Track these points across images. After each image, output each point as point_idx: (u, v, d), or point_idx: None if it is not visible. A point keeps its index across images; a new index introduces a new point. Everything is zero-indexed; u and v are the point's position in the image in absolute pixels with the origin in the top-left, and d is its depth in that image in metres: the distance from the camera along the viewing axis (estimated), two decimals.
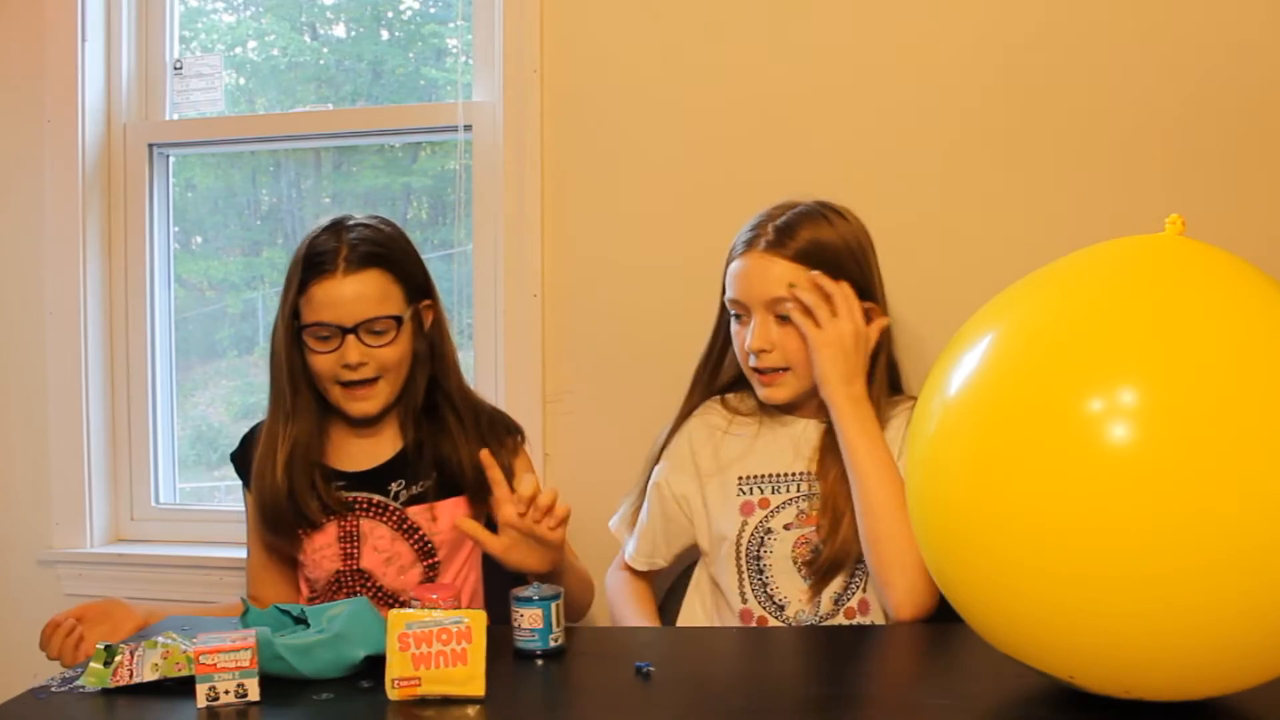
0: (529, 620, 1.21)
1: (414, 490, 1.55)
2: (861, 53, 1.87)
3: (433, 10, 2.26)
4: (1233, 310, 0.95)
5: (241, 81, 2.32)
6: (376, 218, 1.56)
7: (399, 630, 1.09)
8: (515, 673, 1.17)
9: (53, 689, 1.16)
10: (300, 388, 1.53)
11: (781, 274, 1.44)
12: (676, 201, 1.91)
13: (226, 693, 1.09)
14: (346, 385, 1.50)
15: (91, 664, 1.15)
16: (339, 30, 2.31)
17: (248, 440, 1.61)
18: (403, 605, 1.49)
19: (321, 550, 1.53)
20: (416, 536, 1.54)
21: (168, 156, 2.22)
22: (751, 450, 1.52)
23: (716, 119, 1.91)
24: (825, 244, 1.46)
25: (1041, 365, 0.97)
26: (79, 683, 1.16)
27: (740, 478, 1.51)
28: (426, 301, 1.57)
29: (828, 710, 1.09)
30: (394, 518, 1.54)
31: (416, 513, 1.54)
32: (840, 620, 1.45)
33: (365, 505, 1.54)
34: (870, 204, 1.86)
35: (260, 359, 2.30)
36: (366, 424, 1.56)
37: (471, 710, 1.08)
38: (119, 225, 2.18)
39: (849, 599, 1.45)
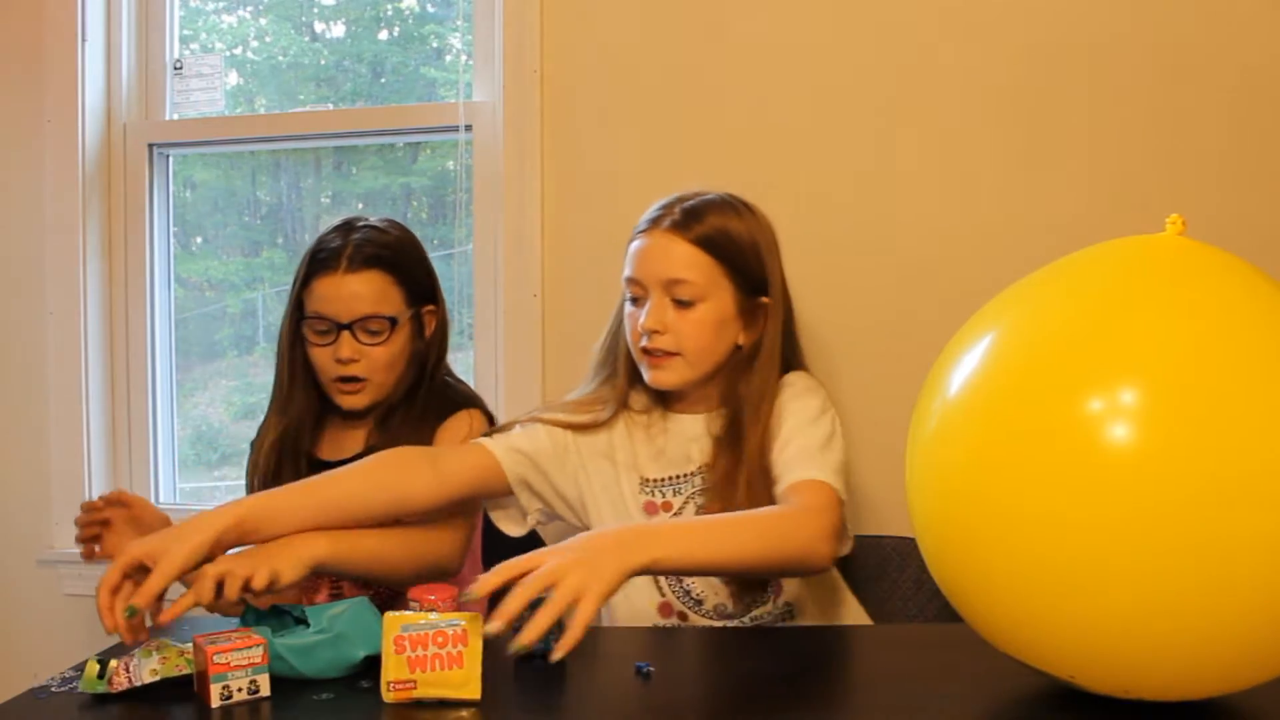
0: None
1: None
2: (861, 53, 1.87)
3: (432, 10, 2.26)
4: (1233, 310, 0.95)
5: (241, 81, 2.32)
6: (388, 220, 1.59)
7: (394, 633, 1.09)
8: (514, 673, 1.17)
9: (53, 689, 1.16)
10: (297, 380, 1.57)
11: (682, 255, 1.42)
12: None
13: (240, 690, 1.10)
14: (339, 380, 1.54)
15: (85, 676, 1.15)
16: (339, 30, 2.31)
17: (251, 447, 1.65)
18: (396, 601, 1.50)
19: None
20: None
21: (168, 156, 2.22)
22: (655, 453, 1.51)
23: (716, 119, 1.91)
24: (730, 233, 1.44)
25: (1041, 365, 0.97)
26: (78, 685, 1.15)
27: (643, 479, 1.50)
28: (430, 306, 1.59)
29: (828, 710, 1.09)
30: None
31: None
32: (769, 608, 1.45)
33: None
34: (870, 204, 1.86)
35: (260, 358, 2.30)
36: (358, 416, 1.59)
37: (469, 712, 1.08)
38: (119, 225, 2.18)
39: (771, 586, 1.44)
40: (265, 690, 1.11)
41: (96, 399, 2.16)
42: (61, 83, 2.11)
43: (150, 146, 2.18)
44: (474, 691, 1.08)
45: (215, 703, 1.09)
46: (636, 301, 1.47)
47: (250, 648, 1.11)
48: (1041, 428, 0.93)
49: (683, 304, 1.43)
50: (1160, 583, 0.89)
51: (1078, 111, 1.80)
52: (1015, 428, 0.95)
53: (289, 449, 1.57)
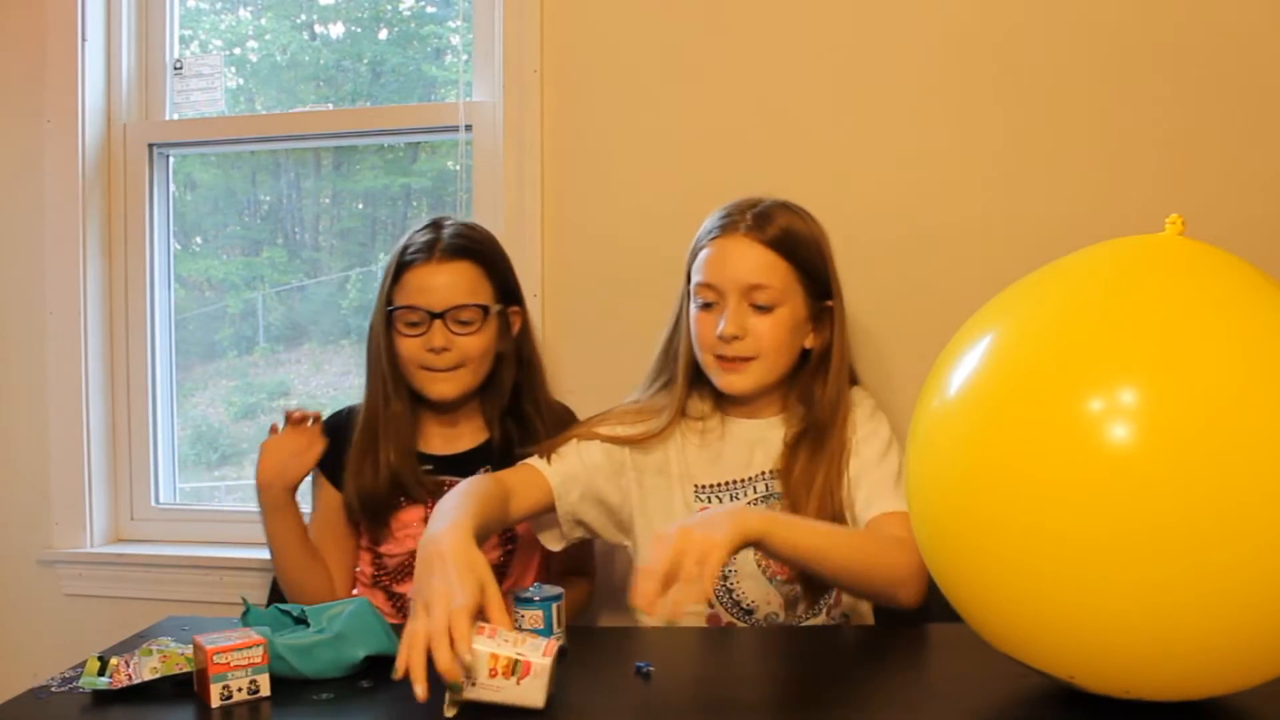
0: (530, 621, 1.21)
1: None
2: (861, 52, 1.87)
3: (432, 10, 2.26)
4: (1233, 310, 0.95)
5: (241, 81, 2.32)
6: (471, 222, 1.63)
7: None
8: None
9: (53, 689, 1.16)
10: (397, 374, 1.58)
11: (760, 260, 1.43)
12: (676, 201, 1.91)
13: (240, 690, 1.10)
14: (429, 369, 1.54)
15: (85, 675, 1.15)
16: (339, 30, 2.31)
17: (338, 422, 1.63)
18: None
19: (405, 529, 1.57)
20: None
21: (168, 156, 2.22)
22: (710, 458, 1.51)
23: (716, 118, 1.91)
24: (798, 235, 1.46)
25: (1041, 365, 0.97)
26: (79, 683, 1.15)
27: (698, 486, 1.50)
28: (515, 307, 1.62)
29: (828, 710, 1.09)
30: None
31: None
32: (823, 620, 1.45)
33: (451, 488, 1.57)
34: (870, 203, 1.86)
35: (261, 359, 2.30)
36: (448, 411, 1.60)
37: (468, 710, 1.08)
38: (119, 225, 2.18)
39: (829, 596, 1.45)
40: (265, 690, 1.11)
41: (96, 399, 2.16)
42: (61, 83, 2.11)
43: (150, 146, 2.18)
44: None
45: (215, 703, 1.09)
46: (710, 307, 1.47)
47: (250, 648, 1.11)
48: (1041, 428, 0.93)
49: (761, 309, 1.44)
50: (1159, 583, 0.89)
51: (1077, 111, 1.80)
52: (1015, 428, 0.95)
53: (404, 444, 1.57)
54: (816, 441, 1.46)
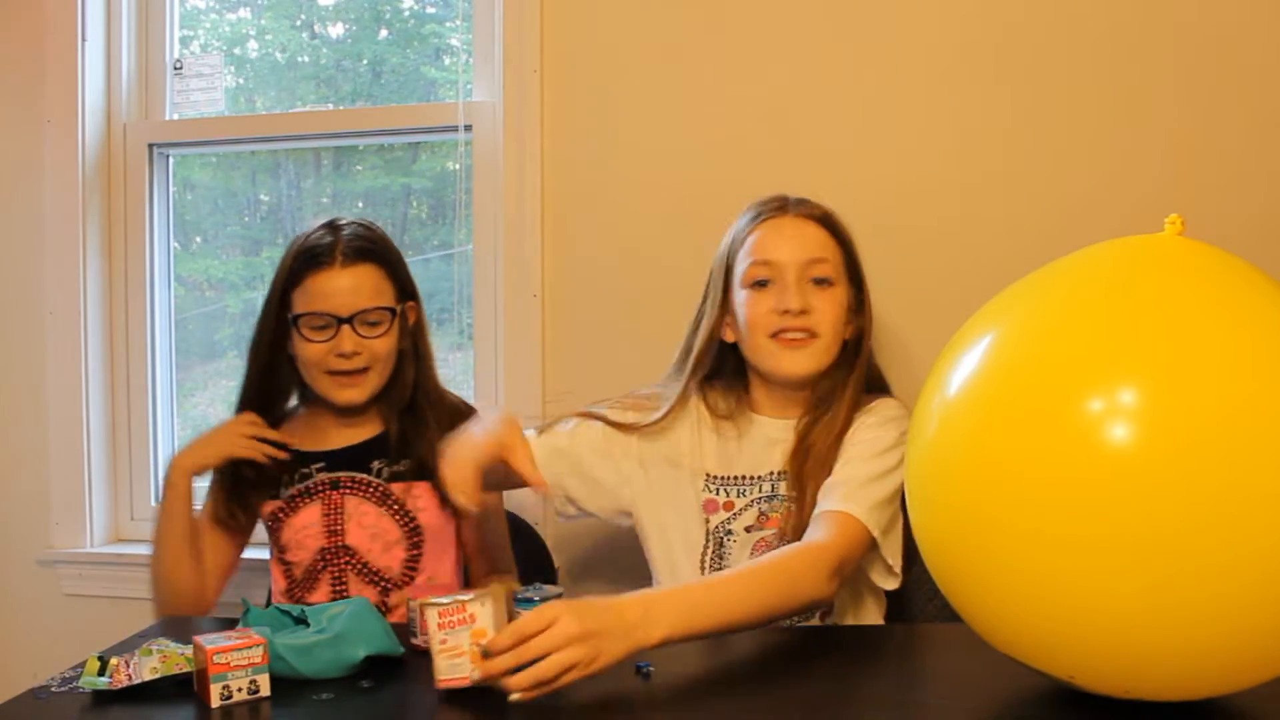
0: None
1: (395, 469, 1.59)
2: (861, 52, 1.87)
3: (432, 10, 2.26)
4: (1233, 310, 0.95)
5: (241, 81, 2.32)
6: (365, 220, 1.62)
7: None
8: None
9: (53, 689, 1.16)
10: (276, 379, 1.60)
11: (817, 236, 1.46)
12: (677, 201, 1.91)
13: (240, 690, 1.10)
14: (336, 374, 1.54)
15: (85, 675, 1.15)
16: (338, 30, 2.31)
17: None
18: (388, 583, 1.55)
19: (305, 530, 1.56)
20: (401, 512, 1.57)
21: (168, 156, 2.22)
22: (726, 452, 1.51)
23: (717, 118, 1.91)
24: (838, 220, 1.50)
25: (1041, 365, 0.97)
26: (79, 683, 1.15)
27: (709, 476, 1.50)
28: (411, 302, 1.61)
29: (828, 710, 1.09)
30: (377, 493, 1.57)
31: (400, 489, 1.58)
32: (815, 622, 1.45)
33: (349, 483, 1.57)
34: (870, 203, 1.86)
35: None
36: (350, 412, 1.59)
37: (468, 710, 1.08)
38: (119, 225, 2.18)
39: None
40: (265, 690, 1.11)
41: (96, 399, 2.16)
42: (61, 83, 2.11)
43: (150, 146, 2.18)
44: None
45: (215, 703, 1.09)
46: (764, 286, 1.45)
47: (250, 648, 1.11)
48: (1041, 427, 0.93)
49: (821, 282, 1.44)
50: (1160, 583, 0.89)
51: (1077, 112, 1.80)
52: (1014, 428, 0.95)
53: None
54: (830, 428, 1.44)
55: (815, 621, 1.45)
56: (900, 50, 1.86)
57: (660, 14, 1.93)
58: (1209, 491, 0.87)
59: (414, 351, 1.61)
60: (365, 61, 2.26)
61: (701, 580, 1.39)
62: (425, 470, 1.56)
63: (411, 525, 1.57)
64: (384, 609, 1.54)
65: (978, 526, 0.98)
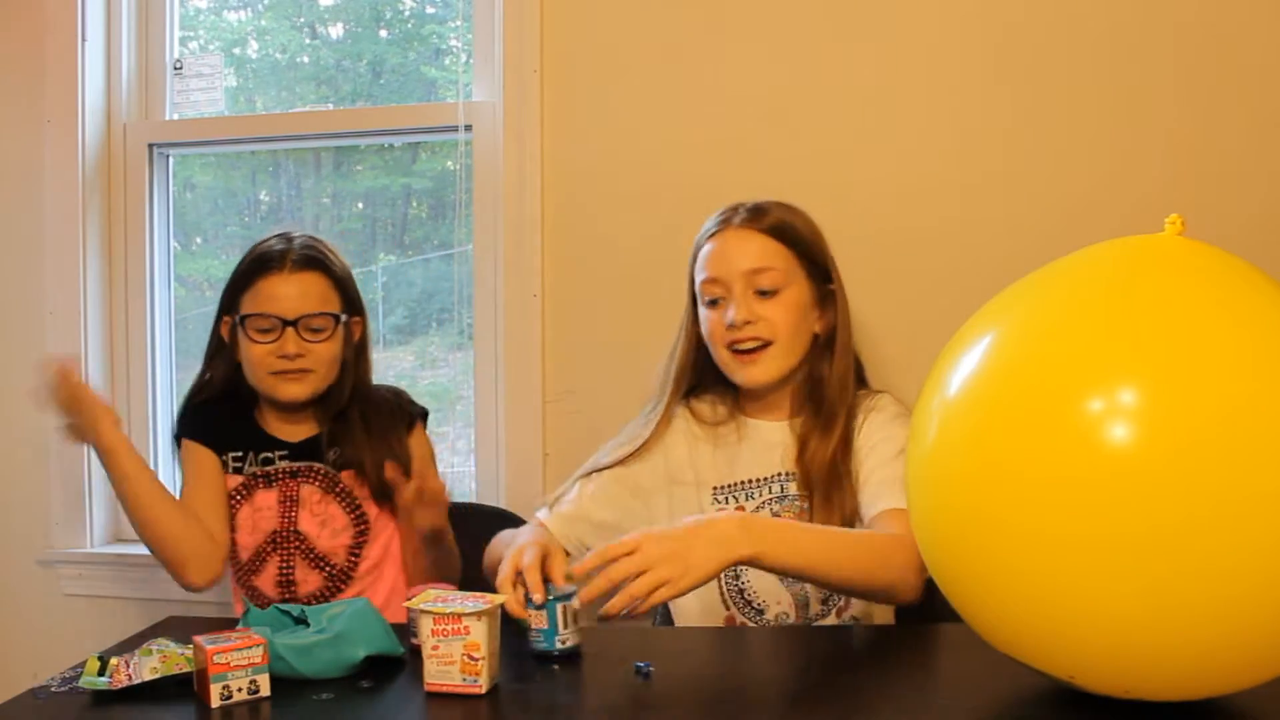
0: (536, 621, 1.21)
1: (343, 459, 1.64)
2: (861, 53, 1.87)
3: (432, 10, 2.26)
4: (1233, 310, 0.95)
5: (241, 81, 2.32)
6: (318, 236, 1.67)
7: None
8: (515, 672, 1.17)
9: (53, 689, 1.16)
10: (218, 378, 1.66)
11: (759, 245, 1.46)
12: (676, 201, 1.91)
13: (240, 690, 1.10)
14: (279, 372, 1.58)
15: (85, 675, 1.15)
16: (339, 30, 2.31)
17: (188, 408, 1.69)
18: (332, 568, 1.60)
19: (262, 511, 1.61)
20: (349, 500, 1.62)
21: (168, 156, 2.22)
22: (728, 459, 1.52)
23: (717, 118, 1.91)
24: (795, 224, 1.49)
25: (1041, 365, 0.97)
26: (79, 683, 1.15)
27: (715, 488, 1.51)
28: (357, 318, 1.67)
29: (828, 710, 1.09)
30: (327, 480, 1.63)
31: (348, 477, 1.63)
32: (832, 620, 1.45)
33: (306, 472, 1.63)
34: (871, 203, 1.86)
35: None
36: (289, 411, 1.64)
37: (470, 709, 1.08)
38: (119, 225, 2.18)
39: (838, 598, 1.45)
40: (265, 690, 1.11)
41: None
42: (61, 83, 2.11)
43: (150, 146, 2.18)
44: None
45: (215, 703, 1.09)
46: (716, 304, 1.48)
47: (250, 648, 1.11)
48: (1041, 428, 0.93)
49: (766, 293, 1.45)
50: (1160, 583, 0.89)
51: (1077, 112, 1.80)
52: (1014, 428, 0.95)
53: (238, 432, 1.63)
54: (829, 421, 1.46)
55: (831, 620, 1.45)
56: (900, 50, 1.86)
57: (660, 14, 1.93)
58: (1209, 491, 0.87)
59: (355, 364, 1.66)
60: (365, 61, 2.26)
61: (797, 523, 1.40)
62: (354, 464, 1.63)
63: (358, 514, 1.62)
64: (332, 596, 1.60)
65: (978, 526, 0.98)
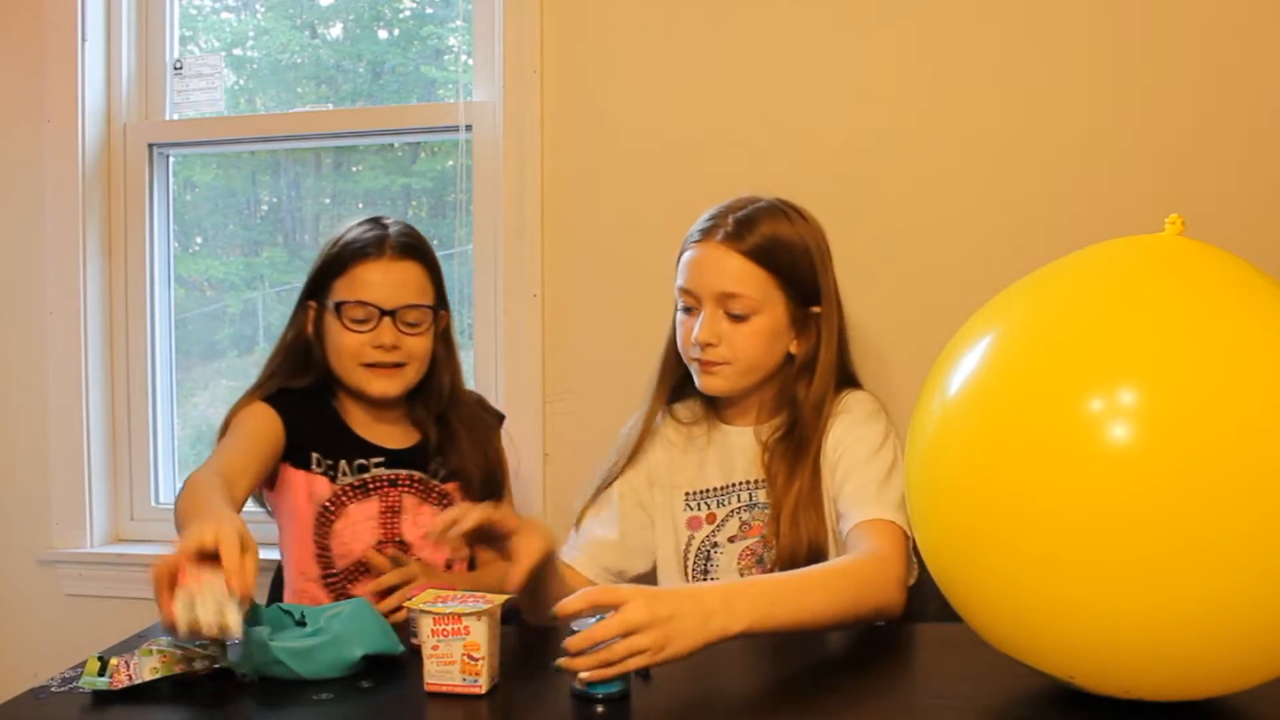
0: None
1: (448, 471, 1.61)
2: (861, 53, 1.87)
3: (432, 10, 2.26)
4: (1233, 310, 0.95)
5: (241, 81, 2.32)
6: (409, 223, 1.61)
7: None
8: (514, 672, 1.17)
9: (53, 689, 1.16)
10: (298, 370, 1.57)
11: (735, 269, 1.41)
12: (676, 201, 1.91)
13: (208, 622, 1.05)
14: (372, 365, 1.52)
15: (85, 675, 1.15)
16: (338, 30, 2.31)
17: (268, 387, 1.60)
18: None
19: (362, 524, 1.56)
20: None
21: (168, 156, 2.22)
22: (698, 465, 1.51)
23: (717, 119, 1.91)
24: (782, 241, 1.43)
25: (1041, 365, 0.97)
26: (79, 683, 1.15)
27: (688, 493, 1.51)
28: (444, 311, 1.62)
29: (827, 710, 1.09)
30: (434, 493, 1.59)
31: (453, 489, 1.60)
32: None
33: (406, 481, 1.58)
34: (871, 204, 1.86)
35: (261, 359, 2.28)
36: (382, 409, 1.58)
37: (470, 709, 1.08)
38: (119, 225, 2.18)
39: None
40: (235, 631, 1.06)
41: (96, 399, 2.16)
42: (61, 83, 2.11)
43: (150, 146, 2.18)
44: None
45: (179, 615, 1.04)
46: (689, 311, 1.46)
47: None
48: (1041, 427, 0.93)
49: (736, 317, 1.42)
50: (1160, 583, 0.89)
51: (1077, 111, 1.80)
52: (1014, 427, 0.95)
53: (320, 429, 1.55)
54: (799, 447, 1.43)
55: None
56: (900, 50, 1.86)
57: (660, 14, 1.93)
58: (1209, 492, 0.87)
59: (447, 358, 1.61)
60: (365, 61, 2.26)
61: (773, 576, 1.36)
62: (461, 475, 1.59)
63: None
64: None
65: (978, 526, 0.98)
